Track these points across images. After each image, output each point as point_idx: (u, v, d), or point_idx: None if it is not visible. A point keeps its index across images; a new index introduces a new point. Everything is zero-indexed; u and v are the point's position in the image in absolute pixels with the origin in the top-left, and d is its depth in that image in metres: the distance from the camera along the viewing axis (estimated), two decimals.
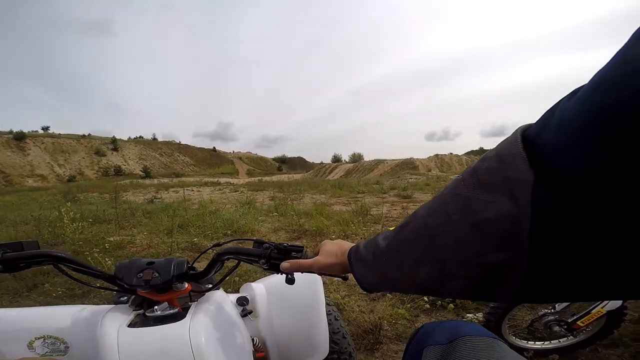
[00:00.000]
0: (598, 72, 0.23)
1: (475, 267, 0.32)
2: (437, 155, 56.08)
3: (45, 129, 79.60)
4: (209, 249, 0.81)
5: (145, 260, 0.67)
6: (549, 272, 0.28)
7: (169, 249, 3.80)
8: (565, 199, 0.25)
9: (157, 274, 0.64)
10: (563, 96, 0.28)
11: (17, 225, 5.16)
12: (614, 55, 0.23)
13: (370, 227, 4.93)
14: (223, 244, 0.74)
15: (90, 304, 0.85)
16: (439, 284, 0.37)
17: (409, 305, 2.25)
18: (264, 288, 1.00)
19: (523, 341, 1.68)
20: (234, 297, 0.95)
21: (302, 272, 0.64)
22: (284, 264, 0.63)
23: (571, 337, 1.60)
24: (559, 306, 1.62)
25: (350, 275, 0.56)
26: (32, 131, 73.25)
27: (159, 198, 11.06)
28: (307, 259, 0.64)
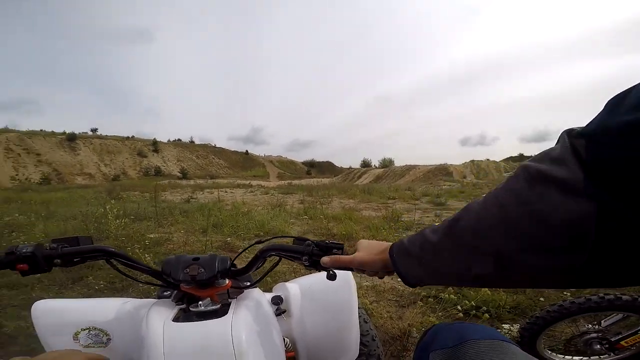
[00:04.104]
0: None
1: (534, 253, 0.33)
2: (472, 161, 53.52)
3: (94, 130, 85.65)
4: (251, 245, 0.82)
5: (191, 257, 0.69)
6: (612, 257, 0.29)
7: (204, 247, 3.93)
8: (621, 192, 0.27)
9: (202, 270, 0.65)
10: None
11: (66, 220, 5.58)
12: None
13: (401, 234, 4.81)
14: (265, 241, 0.75)
15: (131, 297, 0.88)
16: (495, 273, 0.38)
17: (440, 313, 2.17)
18: (299, 288, 0.99)
19: (559, 355, 1.56)
20: (268, 296, 0.95)
21: (341, 269, 0.65)
22: (324, 259, 0.64)
23: (612, 354, 1.49)
24: (604, 322, 1.49)
25: (384, 277, 0.57)
26: (82, 132, 79.10)
27: (195, 198, 11.53)
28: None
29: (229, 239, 4.47)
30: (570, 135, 0.33)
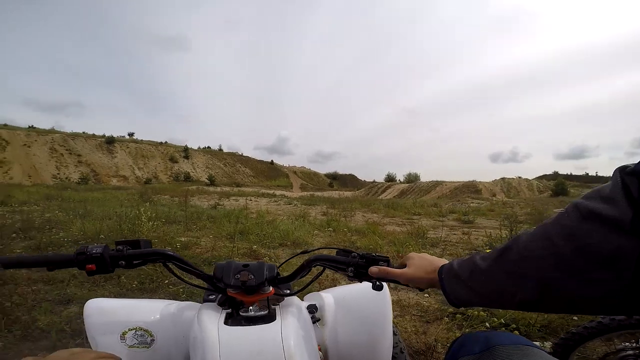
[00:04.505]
0: None
1: (577, 283, 0.37)
2: (503, 178, 51.31)
3: (131, 134, 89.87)
4: (295, 255, 0.85)
5: (241, 263, 0.71)
6: None
7: (230, 253, 4.02)
8: None
9: (252, 276, 0.67)
10: None
11: (102, 219, 5.86)
12: None
13: (428, 250, 4.70)
14: (311, 252, 0.77)
15: (165, 299, 0.91)
16: (538, 299, 0.42)
17: (467, 330, 2.13)
18: (333, 298, 1.00)
19: None
20: (305, 304, 0.96)
21: (387, 281, 0.67)
22: (373, 269, 0.65)
23: None
24: None
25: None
26: (120, 136, 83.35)
27: (221, 205, 11.82)
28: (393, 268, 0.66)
29: (254, 246, 4.54)
30: (623, 172, 0.36)
